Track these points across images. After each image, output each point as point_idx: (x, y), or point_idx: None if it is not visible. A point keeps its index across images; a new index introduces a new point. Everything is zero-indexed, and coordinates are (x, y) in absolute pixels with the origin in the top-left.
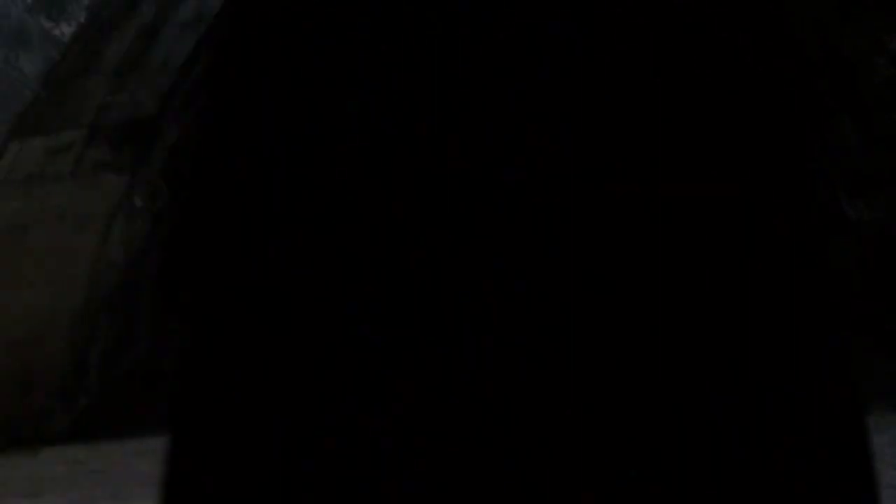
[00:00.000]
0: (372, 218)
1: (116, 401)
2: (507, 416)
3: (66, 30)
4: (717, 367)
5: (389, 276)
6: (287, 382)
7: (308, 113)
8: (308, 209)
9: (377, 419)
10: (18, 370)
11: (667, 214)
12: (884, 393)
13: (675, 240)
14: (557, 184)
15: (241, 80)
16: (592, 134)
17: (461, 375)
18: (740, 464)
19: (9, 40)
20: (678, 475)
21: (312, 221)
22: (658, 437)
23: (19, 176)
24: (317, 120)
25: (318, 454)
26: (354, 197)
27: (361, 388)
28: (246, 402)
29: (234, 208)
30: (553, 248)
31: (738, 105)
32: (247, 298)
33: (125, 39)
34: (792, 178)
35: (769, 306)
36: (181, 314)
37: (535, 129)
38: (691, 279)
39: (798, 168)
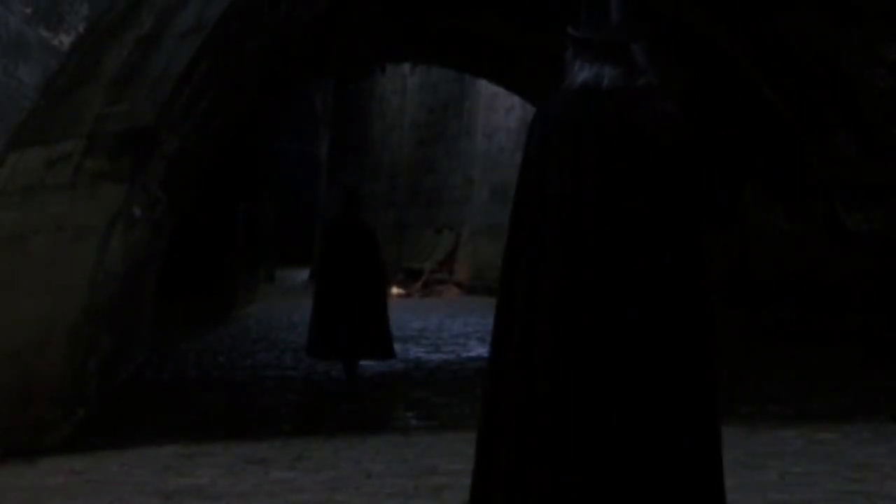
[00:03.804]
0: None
1: (115, 411)
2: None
3: (64, 39)
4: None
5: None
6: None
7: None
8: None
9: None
10: (17, 380)
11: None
12: (882, 404)
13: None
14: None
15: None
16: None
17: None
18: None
19: (7, 50)
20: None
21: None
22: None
23: (18, 186)
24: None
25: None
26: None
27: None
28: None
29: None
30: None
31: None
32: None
33: (124, 49)
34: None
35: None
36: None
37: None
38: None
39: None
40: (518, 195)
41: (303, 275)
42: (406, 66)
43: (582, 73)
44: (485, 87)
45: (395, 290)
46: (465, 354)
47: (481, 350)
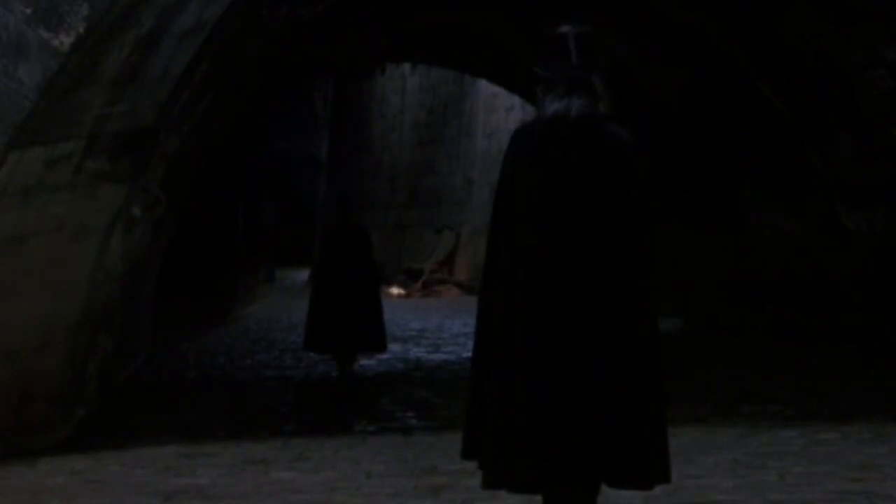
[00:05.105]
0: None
1: (115, 411)
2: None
3: (64, 40)
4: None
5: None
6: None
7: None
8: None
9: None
10: (17, 380)
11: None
12: (882, 404)
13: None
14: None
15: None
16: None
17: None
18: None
19: (7, 50)
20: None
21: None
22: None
23: (18, 186)
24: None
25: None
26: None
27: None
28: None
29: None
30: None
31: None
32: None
33: (124, 49)
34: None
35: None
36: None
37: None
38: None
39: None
40: (497, 206)
41: (303, 275)
42: (406, 67)
43: (553, 105)
44: (485, 87)
45: (395, 291)
46: (465, 354)
47: None
